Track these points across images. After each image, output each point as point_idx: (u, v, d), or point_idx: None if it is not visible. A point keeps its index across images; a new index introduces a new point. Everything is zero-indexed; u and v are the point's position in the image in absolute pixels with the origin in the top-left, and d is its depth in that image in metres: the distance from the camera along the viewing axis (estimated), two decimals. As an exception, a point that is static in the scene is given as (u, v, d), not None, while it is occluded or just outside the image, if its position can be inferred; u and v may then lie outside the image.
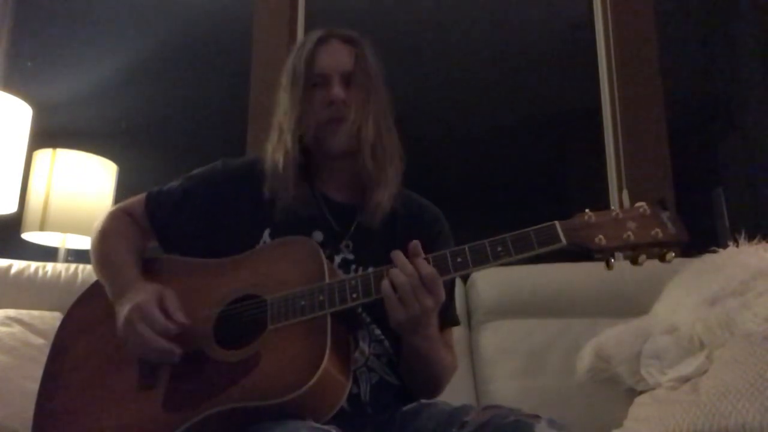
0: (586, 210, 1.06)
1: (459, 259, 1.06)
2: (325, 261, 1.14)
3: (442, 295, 1.07)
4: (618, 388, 1.68)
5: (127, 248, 1.28)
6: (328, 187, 1.32)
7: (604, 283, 1.93)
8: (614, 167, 2.53)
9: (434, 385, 1.26)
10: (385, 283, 1.05)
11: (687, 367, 1.50)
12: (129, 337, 1.12)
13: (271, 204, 1.27)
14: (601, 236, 1.02)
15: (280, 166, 1.26)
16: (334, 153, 1.27)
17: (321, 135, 1.26)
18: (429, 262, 1.07)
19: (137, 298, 1.13)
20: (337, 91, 1.25)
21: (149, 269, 1.27)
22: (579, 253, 1.05)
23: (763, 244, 1.66)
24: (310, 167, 1.30)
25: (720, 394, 1.31)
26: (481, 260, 1.06)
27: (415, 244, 1.08)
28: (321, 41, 1.30)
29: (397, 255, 1.07)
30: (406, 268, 1.05)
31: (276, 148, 1.29)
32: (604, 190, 2.54)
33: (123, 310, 1.13)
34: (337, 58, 1.28)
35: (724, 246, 1.71)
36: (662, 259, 1.03)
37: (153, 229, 1.33)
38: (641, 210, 1.04)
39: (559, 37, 2.95)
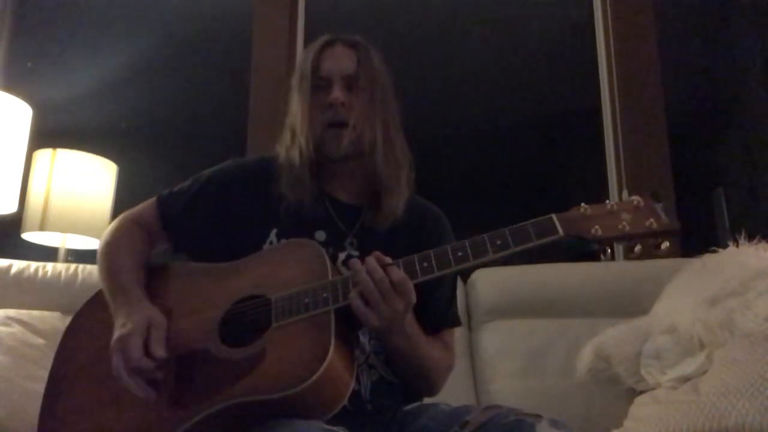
0: (582, 203, 1.08)
1: (459, 253, 1.07)
2: (329, 262, 1.15)
3: (413, 299, 1.07)
4: (618, 388, 1.68)
5: (130, 265, 1.27)
6: (336, 188, 1.33)
7: (604, 283, 1.93)
8: (614, 167, 2.53)
9: (426, 382, 1.26)
10: (353, 294, 1.06)
11: (687, 367, 1.50)
12: (113, 364, 1.11)
13: (279, 203, 1.28)
14: (597, 227, 1.04)
15: (296, 164, 1.27)
16: (334, 158, 1.28)
17: (323, 138, 1.27)
18: (426, 262, 1.07)
19: (126, 327, 1.12)
20: (337, 93, 1.26)
21: (155, 276, 1.27)
22: (577, 248, 1.07)
23: (763, 244, 1.66)
24: (318, 169, 1.31)
25: (720, 394, 1.31)
26: (481, 253, 1.06)
27: (378, 255, 1.09)
28: (326, 45, 1.32)
29: (369, 261, 1.08)
30: (376, 274, 1.06)
31: (290, 148, 1.30)
32: (605, 190, 2.54)
33: (115, 334, 1.13)
34: (339, 61, 1.30)
35: (724, 246, 1.72)
36: (657, 247, 1.06)
37: (165, 231, 1.33)
38: (635, 202, 1.07)
39: (559, 37, 2.95)
